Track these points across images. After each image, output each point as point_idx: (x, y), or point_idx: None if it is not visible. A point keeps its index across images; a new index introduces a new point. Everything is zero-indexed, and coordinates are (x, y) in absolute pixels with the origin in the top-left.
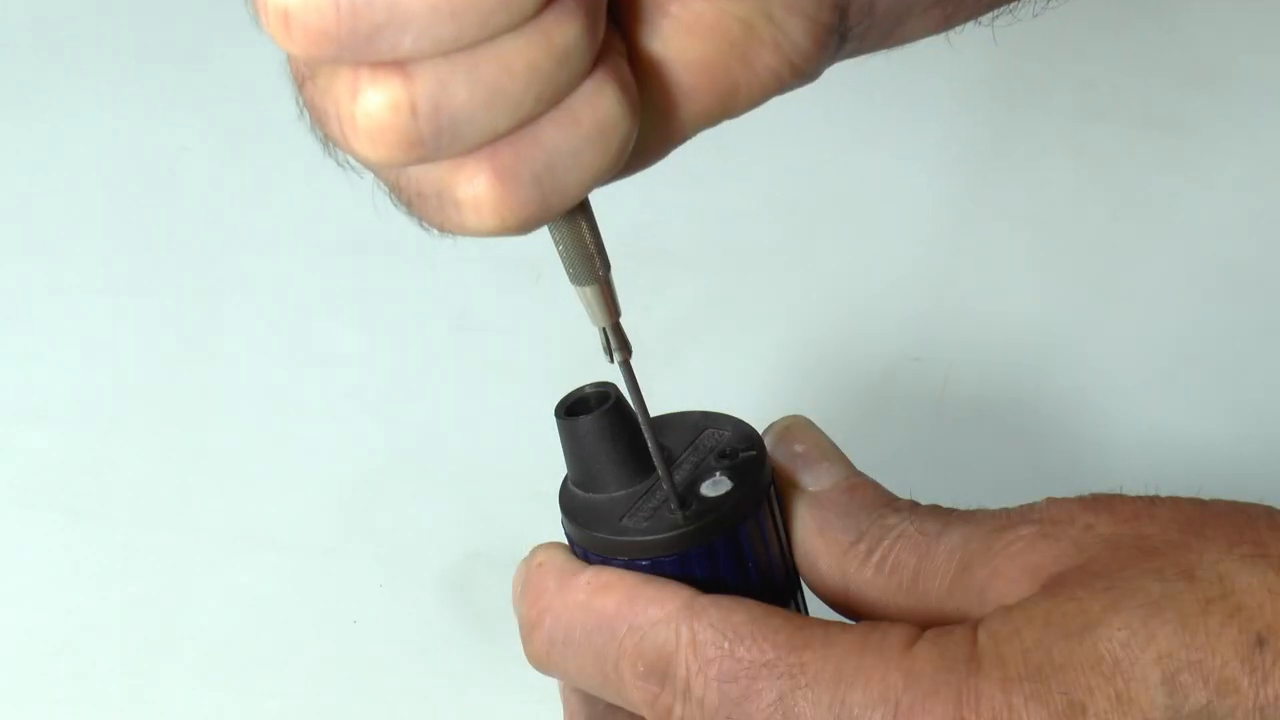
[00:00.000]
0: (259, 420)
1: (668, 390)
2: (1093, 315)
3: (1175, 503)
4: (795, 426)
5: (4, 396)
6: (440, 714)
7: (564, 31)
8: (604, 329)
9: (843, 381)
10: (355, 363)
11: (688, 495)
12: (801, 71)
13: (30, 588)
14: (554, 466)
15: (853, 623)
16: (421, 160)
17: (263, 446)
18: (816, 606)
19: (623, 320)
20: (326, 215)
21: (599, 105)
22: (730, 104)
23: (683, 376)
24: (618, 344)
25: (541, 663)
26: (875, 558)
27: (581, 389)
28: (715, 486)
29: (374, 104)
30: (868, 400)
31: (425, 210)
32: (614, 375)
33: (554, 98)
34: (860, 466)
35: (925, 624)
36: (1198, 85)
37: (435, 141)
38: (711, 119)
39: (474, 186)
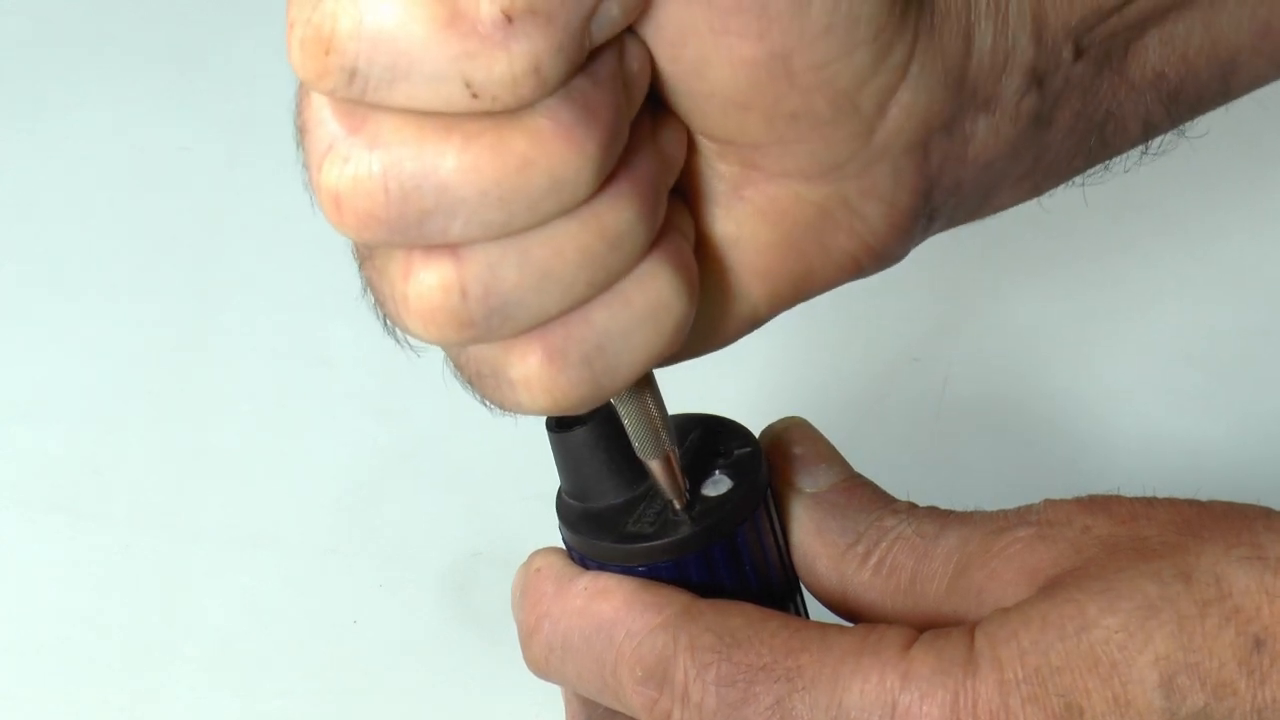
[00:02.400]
0: (259, 420)
1: (667, 390)
2: (1093, 316)
3: (1173, 504)
4: (793, 428)
5: (4, 396)
6: (440, 714)
7: (617, 216)
8: (670, 502)
9: (842, 382)
10: (355, 363)
11: (688, 497)
12: (880, 255)
13: (30, 588)
14: (554, 467)
15: (850, 625)
16: (475, 341)
17: (263, 446)
18: (815, 608)
19: None
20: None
21: (653, 288)
22: (805, 288)
23: (682, 377)
24: (682, 513)
25: (540, 668)
26: (873, 560)
27: None
28: (715, 486)
29: (425, 285)
30: (867, 401)
31: (485, 389)
32: None
33: (607, 281)
34: (858, 467)
35: (923, 626)
36: None
37: (486, 323)
38: (786, 302)
39: (526, 367)
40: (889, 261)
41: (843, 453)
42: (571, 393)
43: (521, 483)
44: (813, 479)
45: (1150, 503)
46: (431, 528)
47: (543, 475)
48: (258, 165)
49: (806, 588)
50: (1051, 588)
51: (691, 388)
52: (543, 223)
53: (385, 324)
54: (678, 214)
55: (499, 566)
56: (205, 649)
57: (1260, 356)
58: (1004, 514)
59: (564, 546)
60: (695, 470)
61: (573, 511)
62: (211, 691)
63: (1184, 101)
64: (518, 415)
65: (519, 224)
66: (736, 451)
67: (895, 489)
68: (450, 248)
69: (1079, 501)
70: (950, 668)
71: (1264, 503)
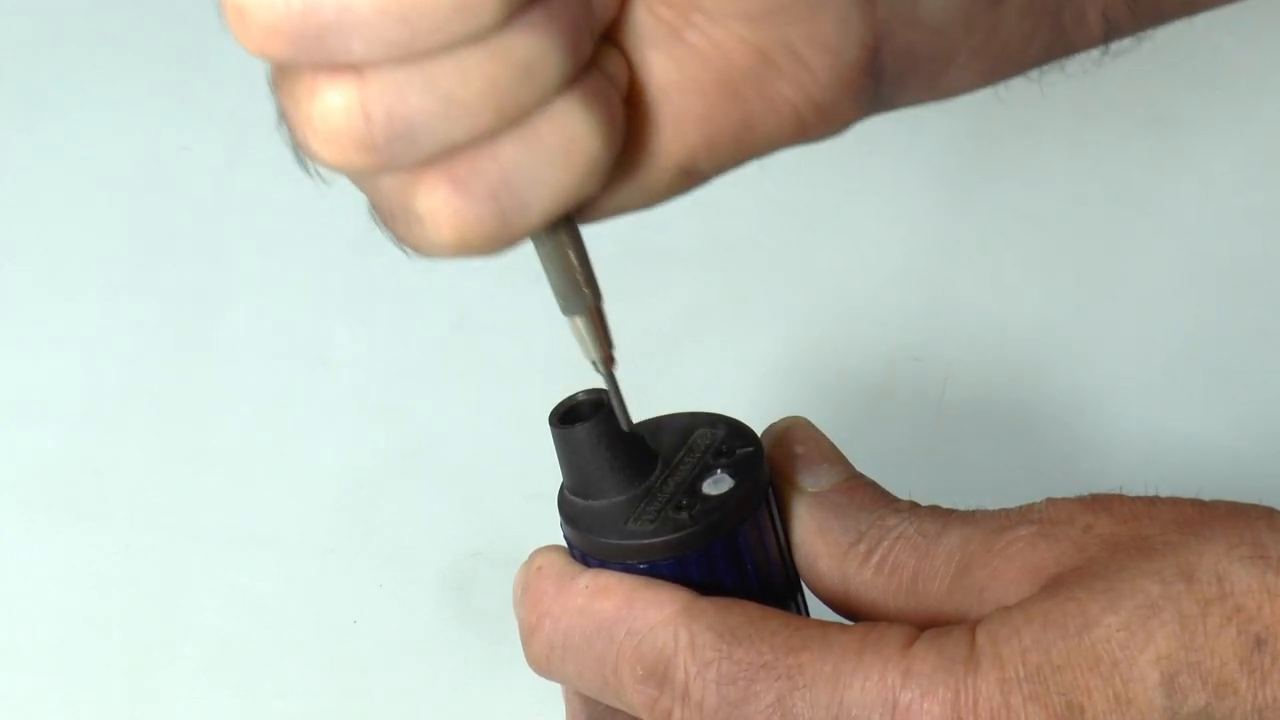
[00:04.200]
0: (259, 420)
1: (667, 390)
2: (1093, 315)
3: (1175, 503)
4: (795, 427)
5: (4, 396)
6: (440, 714)
7: (529, 48)
8: (594, 362)
9: (842, 382)
10: (355, 363)
11: (689, 495)
12: (827, 113)
13: (30, 588)
14: (554, 466)
15: (851, 624)
16: (379, 168)
17: (263, 446)
18: (816, 608)
19: (617, 321)
20: (327, 215)
21: (566, 125)
22: (746, 140)
23: (682, 376)
24: (608, 379)
25: (541, 667)
26: (875, 558)
27: (574, 396)
28: (717, 485)
29: (328, 105)
30: (868, 400)
31: (398, 228)
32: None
33: (516, 113)
34: (860, 467)
35: (924, 625)
36: (1198, 85)
37: (389, 148)
38: (726, 155)
39: (431, 199)
40: (834, 123)
41: (844, 452)
42: (478, 227)
43: (521, 483)
44: (814, 478)
45: (1152, 502)
46: (431, 528)
47: (543, 475)
48: (258, 165)
49: (808, 586)
50: (1053, 586)
51: (693, 387)
52: (449, 47)
53: (296, 153)
54: (610, 57)
55: (499, 566)
56: (205, 649)
57: (1261, 356)
58: (1006, 513)
59: (565, 544)
60: (697, 468)
61: (574, 508)
62: (211, 691)
63: (1146, 2)
64: (436, 258)
65: (423, 46)
66: (738, 450)
67: (896, 488)
68: (355, 69)
69: (1081, 500)
70: (951, 665)
71: (1266, 502)
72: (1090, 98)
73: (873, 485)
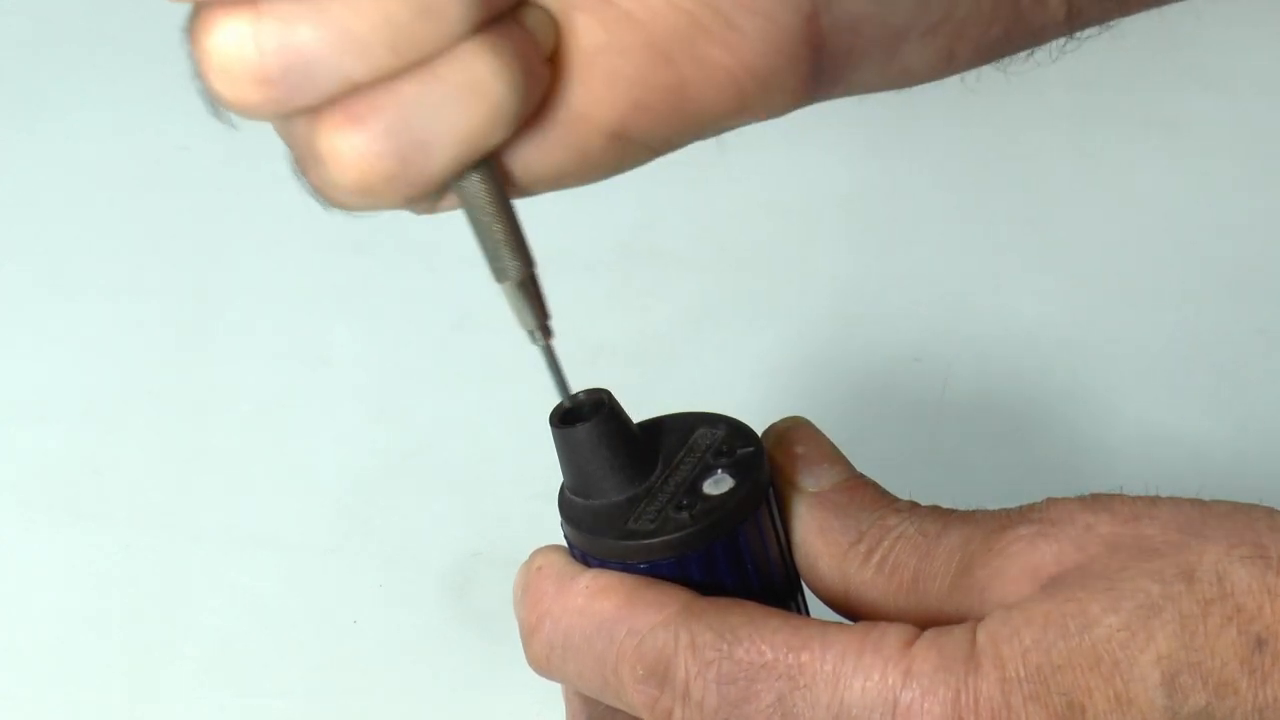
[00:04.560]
0: (259, 420)
1: (667, 390)
2: (1093, 315)
3: (1175, 503)
4: (795, 428)
5: (4, 396)
6: (440, 714)
7: None
8: (529, 333)
9: (843, 382)
10: (355, 363)
11: (690, 495)
12: (767, 84)
13: (30, 588)
14: (554, 466)
15: (851, 623)
16: (277, 105)
17: (263, 446)
18: (816, 608)
19: (617, 321)
20: (327, 215)
21: (469, 67)
22: (680, 106)
23: (682, 376)
24: (544, 352)
25: (542, 667)
26: (875, 558)
27: (575, 396)
28: (718, 484)
29: (222, 39)
30: (868, 400)
31: (308, 174)
32: (610, 381)
33: (414, 52)
34: (860, 467)
35: (925, 624)
36: (1198, 85)
37: (285, 81)
38: (662, 121)
39: (331, 139)
40: (777, 96)
41: (844, 452)
42: (378, 166)
43: (521, 483)
44: (815, 478)
45: (1153, 502)
46: (431, 528)
47: (543, 475)
48: (258, 165)
49: (808, 586)
50: (1054, 586)
51: (693, 387)
52: None
53: (206, 101)
54: (534, 15)
55: (499, 566)
56: (205, 649)
57: (1261, 356)
58: (1006, 512)
59: (565, 544)
60: (697, 468)
61: (575, 508)
62: (211, 691)
63: None
64: (347, 207)
65: None
66: (739, 450)
67: (896, 488)
68: (251, 3)
69: (1081, 500)
70: (952, 665)
71: (1266, 502)
72: (1090, 98)
73: (873, 485)
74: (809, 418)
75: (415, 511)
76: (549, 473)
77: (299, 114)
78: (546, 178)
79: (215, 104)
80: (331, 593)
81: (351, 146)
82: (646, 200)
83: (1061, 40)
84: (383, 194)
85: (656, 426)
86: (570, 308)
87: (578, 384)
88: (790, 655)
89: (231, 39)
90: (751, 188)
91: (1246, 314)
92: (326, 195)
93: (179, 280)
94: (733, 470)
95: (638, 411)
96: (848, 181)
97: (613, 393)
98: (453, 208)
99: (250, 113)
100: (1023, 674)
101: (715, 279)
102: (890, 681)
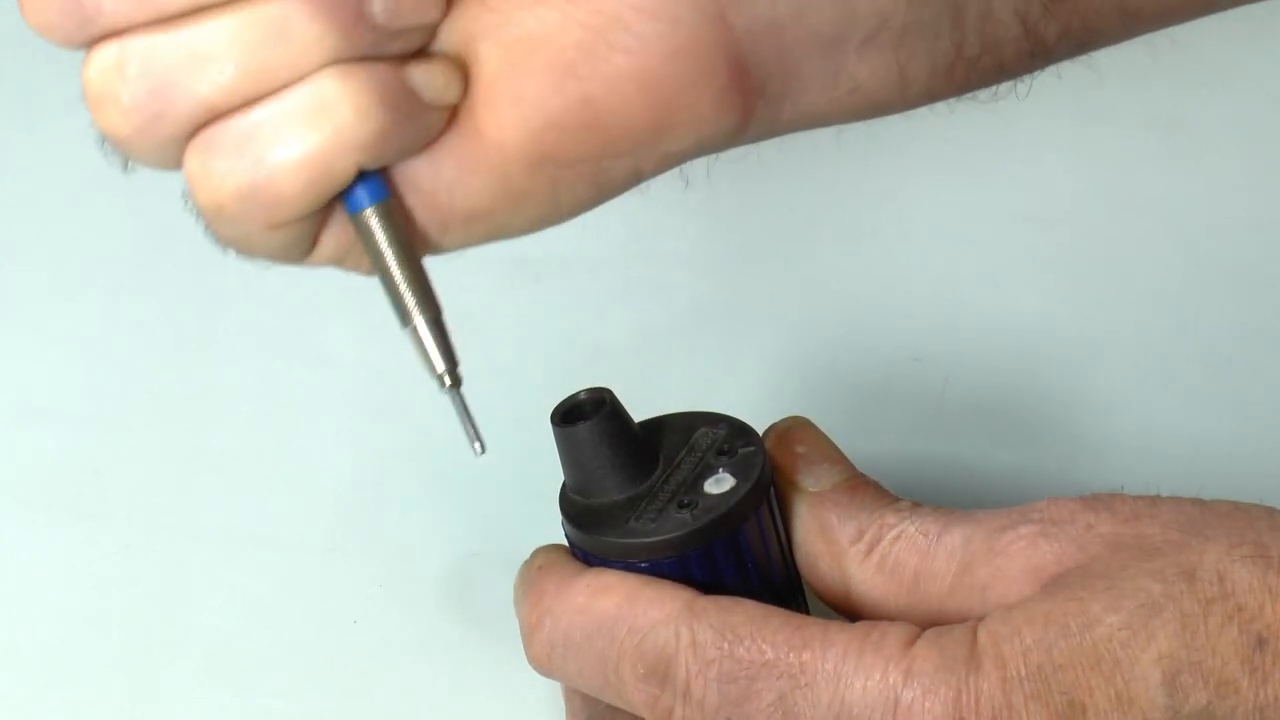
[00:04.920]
0: (259, 420)
1: (668, 390)
2: (1093, 315)
3: (1176, 503)
4: (796, 427)
5: (4, 396)
6: (440, 714)
7: (283, 14)
8: (436, 379)
9: (843, 381)
10: (355, 363)
11: (691, 494)
12: (680, 93)
13: (30, 588)
14: (554, 466)
15: (852, 623)
16: (146, 134)
17: (263, 446)
18: (817, 607)
19: (617, 321)
20: None
21: (316, 90)
22: (595, 123)
23: (683, 376)
24: (452, 399)
25: (543, 665)
26: (876, 558)
27: (576, 395)
28: (719, 483)
29: (95, 68)
30: (868, 400)
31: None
32: (610, 381)
33: (265, 74)
34: (860, 466)
35: (926, 624)
36: (1198, 85)
37: (149, 106)
38: (579, 140)
39: (189, 162)
40: (702, 110)
41: (844, 452)
42: (226, 185)
43: (521, 483)
44: (815, 478)
45: (1154, 501)
46: (431, 528)
47: (543, 475)
48: None
49: (809, 586)
50: (1055, 585)
51: (694, 387)
52: (197, 9)
53: (100, 145)
54: (428, 66)
55: (499, 566)
56: (205, 649)
57: (1261, 356)
58: (1007, 512)
59: (566, 543)
60: (699, 467)
61: (576, 507)
62: (211, 691)
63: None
64: (226, 242)
65: (170, 2)
66: (740, 449)
67: (896, 488)
68: (119, 36)
69: (1082, 500)
70: (953, 664)
71: (1267, 502)
72: (1090, 98)
73: (874, 485)
74: (809, 418)
75: (415, 511)
76: (549, 472)
77: (169, 145)
78: (477, 214)
79: (105, 143)
80: (331, 593)
81: (202, 165)
82: (647, 200)
83: (1029, 75)
84: (237, 217)
85: (657, 426)
86: (570, 308)
87: (578, 384)
88: (791, 654)
89: (101, 71)
90: (750, 187)
91: (1246, 314)
92: (208, 228)
93: (179, 280)
94: (734, 469)
95: (638, 411)
96: (847, 180)
97: (613, 392)
98: (359, 269)
99: (126, 146)
100: (1024, 673)
101: (715, 279)
102: (891, 681)
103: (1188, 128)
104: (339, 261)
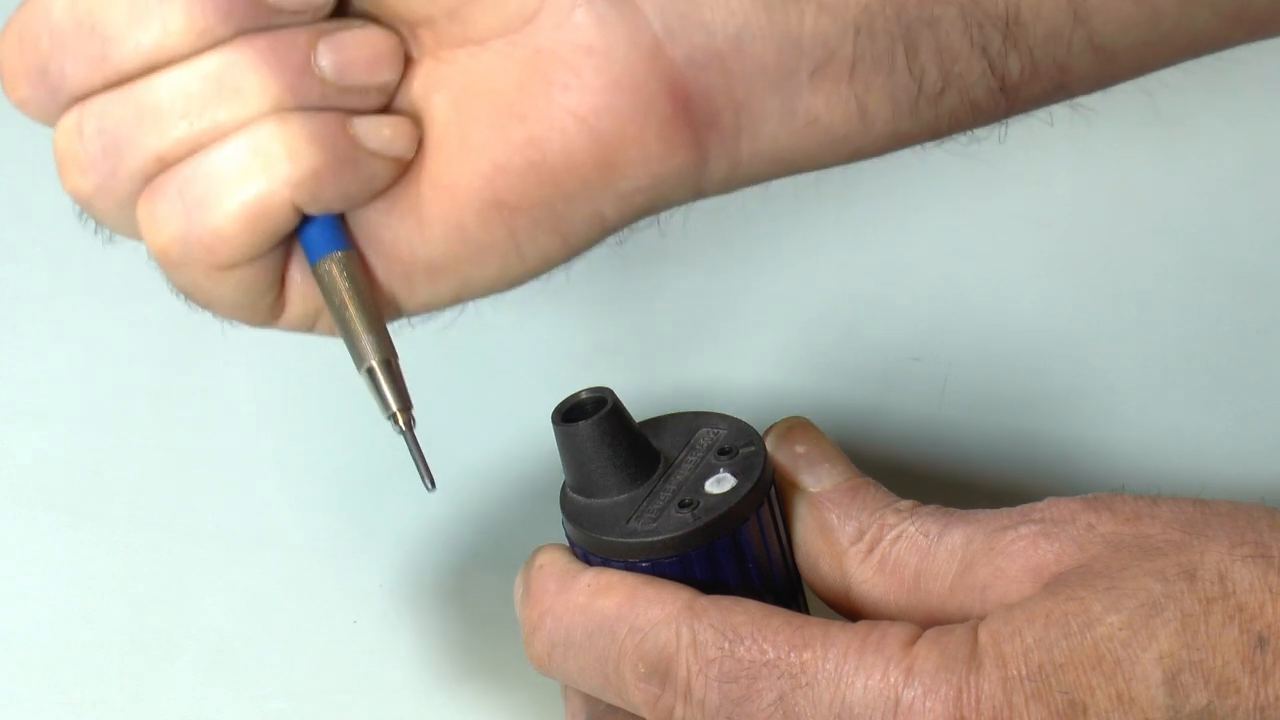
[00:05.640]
0: (259, 420)
1: (668, 390)
2: (1093, 315)
3: (1177, 503)
4: (796, 427)
5: (4, 396)
6: (440, 714)
7: (225, 68)
8: (390, 418)
9: (843, 381)
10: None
11: (692, 494)
12: (624, 129)
13: (30, 588)
14: (554, 466)
15: (853, 622)
16: (105, 191)
17: (263, 446)
18: (818, 607)
19: (617, 321)
20: None
21: (253, 138)
22: (541, 161)
23: (683, 376)
24: (406, 440)
25: (543, 664)
26: (876, 557)
27: (577, 394)
28: (719, 483)
29: (60, 132)
30: (868, 400)
31: None
32: (610, 381)
33: (211, 124)
34: (860, 466)
35: (927, 624)
36: (1198, 85)
37: (105, 162)
38: (529, 182)
39: (141, 208)
40: (651, 148)
41: (845, 452)
42: (169, 225)
43: (521, 483)
44: (816, 478)
45: (1154, 501)
46: (431, 528)
47: (543, 475)
48: None
49: (810, 586)
50: (1055, 585)
51: (695, 386)
52: (147, 67)
53: (76, 210)
54: (382, 122)
55: (499, 567)
56: (205, 649)
57: (1261, 356)
58: (1008, 512)
59: (567, 543)
60: (700, 467)
61: (577, 506)
62: (211, 691)
63: (1025, 25)
64: (181, 289)
65: (121, 63)
66: (741, 449)
67: (896, 488)
68: (80, 101)
69: (1083, 499)
70: (954, 664)
71: (1267, 502)
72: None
73: (874, 485)
74: (809, 417)
75: (415, 512)
76: (549, 473)
77: (126, 203)
78: (437, 266)
79: (82, 214)
80: (331, 593)
81: (148, 212)
82: None
83: (1005, 119)
84: (182, 261)
85: (658, 425)
86: (570, 308)
87: (578, 384)
88: (792, 654)
89: (64, 134)
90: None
91: (1246, 314)
92: (165, 278)
93: None
94: (734, 469)
95: (639, 411)
96: (847, 180)
97: (615, 392)
98: (332, 332)
99: (90, 207)
100: (1024, 673)
101: (715, 279)
102: (892, 680)
103: (1188, 128)
104: (310, 324)
